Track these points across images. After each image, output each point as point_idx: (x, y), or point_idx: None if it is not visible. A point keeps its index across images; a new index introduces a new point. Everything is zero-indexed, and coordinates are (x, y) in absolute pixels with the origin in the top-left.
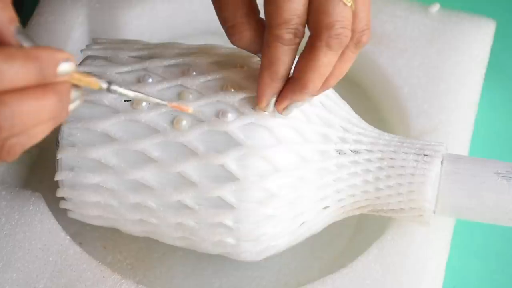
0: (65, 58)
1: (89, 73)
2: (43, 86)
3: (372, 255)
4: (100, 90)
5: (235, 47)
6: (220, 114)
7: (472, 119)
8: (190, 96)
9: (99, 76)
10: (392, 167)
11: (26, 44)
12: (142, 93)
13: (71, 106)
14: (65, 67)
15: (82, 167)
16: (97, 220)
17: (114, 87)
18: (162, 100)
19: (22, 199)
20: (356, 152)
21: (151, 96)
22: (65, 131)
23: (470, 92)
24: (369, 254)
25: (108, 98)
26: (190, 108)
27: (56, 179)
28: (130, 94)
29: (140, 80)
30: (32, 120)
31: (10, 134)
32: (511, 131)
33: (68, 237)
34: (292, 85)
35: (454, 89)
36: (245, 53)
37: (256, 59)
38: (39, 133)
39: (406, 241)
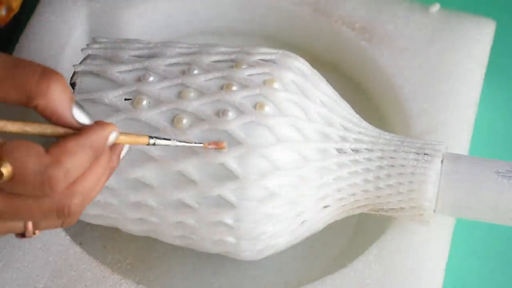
0: (111, 130)
1: (133, 134)
2: (97, 159)
3: (372, 255)
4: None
5: (235, 46)
6: (220, 113)
7: (472, 119)
8: (191, 95)
9: (142, 135)
10: (393, 166)
11: (81, 120)
12: (182, 141)
13: (124, 152)
14: (112, 139)
15: None
16: (97, 219)
17: (156, 140)
18: (197, 143)
19: None
20: (356, 151)
21: (189, 142)
22: None
23: (470, 92)
24: (369, 254)
25: (108, 97)
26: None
27: None
28: (171, 143)
29: (140, 79)
30: (96, 191)
31: (78, 216)
32: (511, 131)
33: (68, 237)
34: None
35: (454, 89)
36: (245, 52)
37: (257, 57)
38: (99, 191)
39: (406, 241)
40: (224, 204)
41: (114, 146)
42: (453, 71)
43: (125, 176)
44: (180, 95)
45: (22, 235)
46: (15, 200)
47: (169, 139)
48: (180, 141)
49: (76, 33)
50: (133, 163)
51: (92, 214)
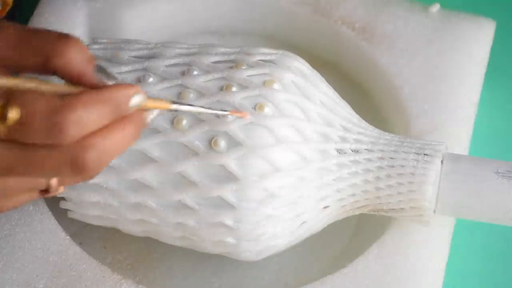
0: (135, 92)
1: (156, 98)
2: (119, 119)
3: (372, 255)
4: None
5: (235, 46)
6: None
7: (472, 119)
8: (191, 95)
9: (164, 99)
10: (392, 166)
11: (106, 80)
12: (202, 107)
13: (152, 116)
14: (136, 100)
15: None
16: (97, 220)
17: (178, 106)
18: (223, 110)
19: None
20: (356, 151)
21: (213, 109)
22: None
23: (470, 92)
24: (369, 254)
25: None
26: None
27: None
28: (193, 109)
29: (140, 80)
30: (117, 151)
31: (96, 172)
32: (511, 131)
33: (68, 237)
34: None
35: (454, 89)
36: (245, 52)
37: (257, 58)
38: (116, 157)
39: (406, 241)
40: (224, 205)
41: (136, 115)
42: (453, 71)
43: (125, 177)
44: (180, 96)
45: (46, 191)
46: (27, 151)
47: (192, 105)
48: (203, 107)
49: (76, 33)
50: (133, 164)
51: (92, 215)
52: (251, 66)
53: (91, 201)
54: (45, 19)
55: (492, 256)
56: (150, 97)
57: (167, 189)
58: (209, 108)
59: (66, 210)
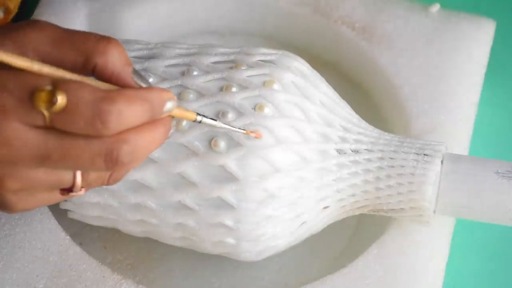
0: (170, 98)
1: (184, 108)
2: (153, 121)
3: (372, 255)
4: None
5: (234, 47)
6: (220, 114)
7: (472, 119)
8: (191, 96)
9: (191, 110)
10: (392, 166)
11: (141, 83)
12: (225, 124)
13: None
14: (170, 106)
15: None
16: (97, 221)
17: (202, 118)
18: (240, 129)
19: None
20: (356, 151)
21: (232, 126)
22: None
23: (470, 92)
24: (369, 254)
25: None
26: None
27: None
28: (216, 124)
29: None
30: (146, 151)
31: (127, 168)
32: (511, 131)
33: (68, 237)
34: None
35: (454, 89)
36: (245, 52)
37: (257, 58)
38: (145, 158)
39: (406, 241)
40: (224, 205)
41: (167, 120)
42: (453, 71)
43: (125, 177)
44: (179, 97)
45: (69, 190)
46: (65, 139)
47: (215, 120)
48: (224, 124)
49: None
50: None
51: (92, 215)
52: (251, 66)
53: (91, 201)
54: (45, 19)
55: (492, 256)
56: (179, 106)
57: (167, 189)
58: (228, 125)
59: (66, 210)
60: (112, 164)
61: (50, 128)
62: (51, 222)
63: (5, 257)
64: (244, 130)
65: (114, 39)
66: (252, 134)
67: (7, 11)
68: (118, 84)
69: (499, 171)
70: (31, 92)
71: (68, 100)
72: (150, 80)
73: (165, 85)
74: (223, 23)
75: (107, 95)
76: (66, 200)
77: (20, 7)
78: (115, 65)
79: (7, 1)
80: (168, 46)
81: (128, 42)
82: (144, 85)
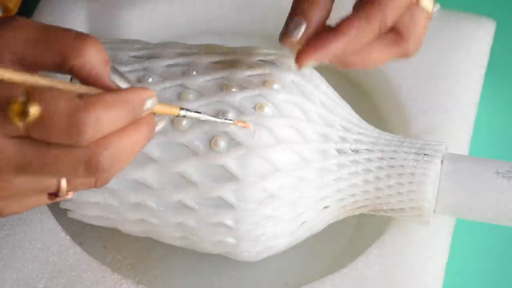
0: (149, 95)
1: (166, 104)
2: (134, 122)
3: (372, 255)
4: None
5: (235, 46)
6: (220, 114)
7: (472, 119)
8: (190, 96)
9: (174, 105)
10: (392, 166)
11: (119, 83)
12: (210, 115)
13: (158, 127)
14: (150, 104)
15: None
16: (97, 220)
17: (186, 112)
18: (228, 119)
19: None
20: (356, 151)
21: (219, 117)
22: None
23: (470, 92)
24: (369, 254)
25: None
26: (251, 124)
27: None
28: (201, 117)
29: (140, 80)
30: (130, 153)
31: (112, 172)
32: (511, 131)
33: (68, 237)
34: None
35: (454, 89)
36: (245, 52)
37: (257, 58)
38: (131, 160)
39: (406, 241)
40: (224, 205)
41: (148, 119)
42: (453, 71)
43: (125, 177)
44: (179, 97)
45: (55, 195)
46: (43, 149)
47: (200, 113)
48: (210, 116)
49: None
50: (133, 164)
51: (92, 215)
52: (251, 66)
53: (91, 201)
54: (45, 18)
55: (492, 256)
56: (160, 103)
57: (167, 189)
58: (215, 116)
59: (66, 210)
60: (94, 171)
61: (27, 137)
62: (51, 222)
63: (5, 257)
64: (231, 120)
65: (91, 37)
66: (240, 124)
67: (6, 10)
68: (96, 85)
69: (499, 171)
70: (4, 104)
71: (42, 111)
72: (150, 80)
73: (165, 85)
74: (223, 23)
75: (84, 102)
76: (66, 200)
77: (21, 7)
78: (92, 66)
79: (6, 0)
80: (168, 46)
81: (128, 42)
82: (123, 85)
